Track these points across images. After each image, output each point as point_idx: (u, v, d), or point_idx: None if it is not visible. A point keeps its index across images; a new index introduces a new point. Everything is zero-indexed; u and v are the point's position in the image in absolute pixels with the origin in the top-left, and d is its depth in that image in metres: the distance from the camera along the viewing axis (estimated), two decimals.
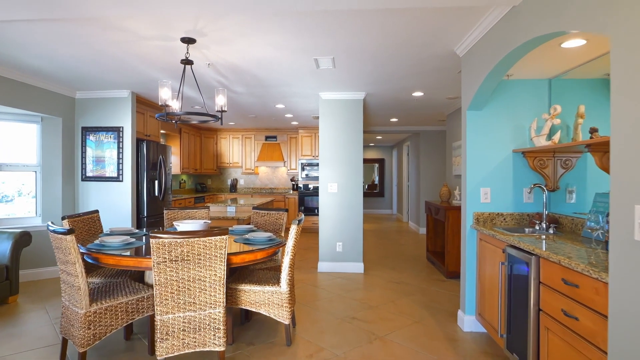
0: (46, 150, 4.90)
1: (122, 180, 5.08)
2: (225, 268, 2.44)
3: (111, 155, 5.10)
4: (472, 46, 3.12)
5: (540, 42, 2.27)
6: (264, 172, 9.38)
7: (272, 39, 3.19)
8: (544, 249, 2.14)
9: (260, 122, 8.09)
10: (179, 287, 2.38)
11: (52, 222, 2.59)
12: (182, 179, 8.56)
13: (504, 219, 3.23)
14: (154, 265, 2.32)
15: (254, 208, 4.01)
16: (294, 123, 8.14)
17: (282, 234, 3.73)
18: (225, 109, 3.20)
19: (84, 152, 5.15)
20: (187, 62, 3.16)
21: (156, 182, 5.66)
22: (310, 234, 8.50)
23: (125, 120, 5.10)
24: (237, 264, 2.66)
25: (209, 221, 3.30)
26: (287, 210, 3.84)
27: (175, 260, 2.34)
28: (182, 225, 3.09)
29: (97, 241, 2.76)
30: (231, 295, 2.89)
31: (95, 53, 3.52)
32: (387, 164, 13.27)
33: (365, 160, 13.03)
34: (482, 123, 3.27)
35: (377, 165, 13.34)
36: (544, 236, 2.67)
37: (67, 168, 5.04)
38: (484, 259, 3.03)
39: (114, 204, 5.11)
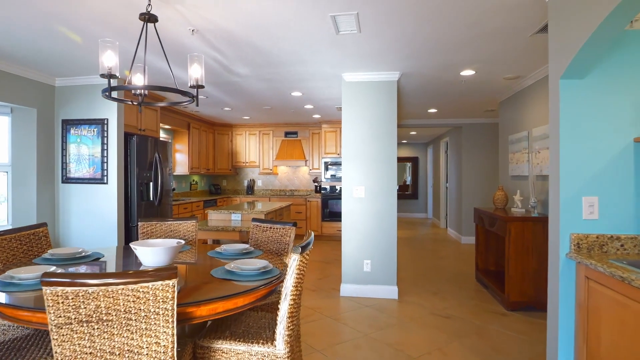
0: (18, 147, 4.15)
1: (106, 182, 4.27)
2: (175, 332, 1.48)
3: (94, 153, 4.30)
4: None
5: None
6: (284, 172, 8.45)
7: None
8: None
9: (278, 116, 7.16)
10: None
11: None
12: (194, 180, 7.77)
13: (622, 245, 2.09)
14: (51, 330, 1.39)
15: (253, 220, 3.05)
16: (316, 116, 7.16)
17: (287, 259, 2.75)
18: (203, 84, 2.25)
19: (64, 150, 4.37)
20: (149, 17, 2.24)
21: (151, 184, 4.82)
22: (334, 241, 7.49)
23: (111, 111, 4.28)
24: (202, 318, 1.70)
25: (182, 241, 2.36)
26: (295, 225, 2.86)
27: (88, 322, 1.40)
28: (140, 249, 2.17)
29: (4, 276, 1.87)
30: (203, 358, 1.94)
31: (41, 16, 2.66)
32: (421, 162, 12.05)
33: (397, 159, 11.86)
34: (584, 98, 2.15)
35: (409, 164, 12.14)
36: None
37: (45, 168, 4.28)
38: (596, 311, 1.92)
39: (98, 211, 4.31)
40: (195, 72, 2.25)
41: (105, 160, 4.27)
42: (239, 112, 6.68)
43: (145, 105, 2.36)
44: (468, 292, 4.37)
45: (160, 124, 6.02)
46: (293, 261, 1.86)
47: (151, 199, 4.83)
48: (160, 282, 1.42)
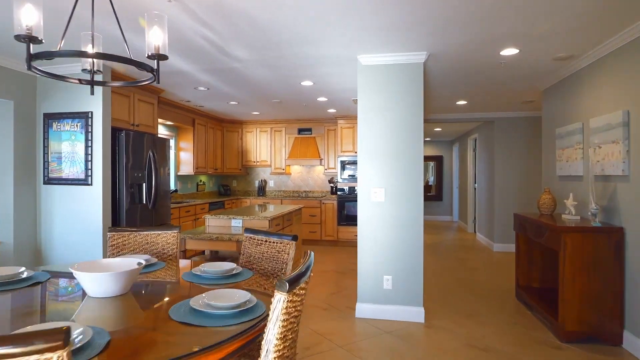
0: None
1: (90, 184, 3.78)
2: None
3: (77, 151, 3.82)
4: None
5: None
6: (297, 172, 7.88)
7: None
8: None
9: (290, 111, 6.58)
10: None
11: None
12: (201, 181, 7.29)
13: None
14: None
15: (246, 231, 2.47)
16: (331, 111, 6.54)
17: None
18: (166, 54, 1.68)
19: (46, 147, 3.91)
20: None
21: (144, 185, 4.32)
22: (351, 247, 6.86)
23: (96, 103, 3.79)
24: None
25: (143, 262, 1.80)
26: (295, 239, 2.26)
27: None
28: (81, 275, 1.61)
29: None
30: None
31: None
32: (445, 161, 11.26)
33: None
34: None
35: (433, 163, 11.37)
36: None
37: (23, 167, 3.82)
38: None
39: (83, 215, 3.83)
40: (155, 38, 1.68)
41: (90, 159, 3.78)
42: (247, 106, 6.14)
43: (98, 84, 1.80)
44: (509, 315, 3.66)
45: (160, 120, 5.54)
46: (277, 303, 1.26)
47: (144, 201, 4.33)
48: (34, 357, 0.84)
